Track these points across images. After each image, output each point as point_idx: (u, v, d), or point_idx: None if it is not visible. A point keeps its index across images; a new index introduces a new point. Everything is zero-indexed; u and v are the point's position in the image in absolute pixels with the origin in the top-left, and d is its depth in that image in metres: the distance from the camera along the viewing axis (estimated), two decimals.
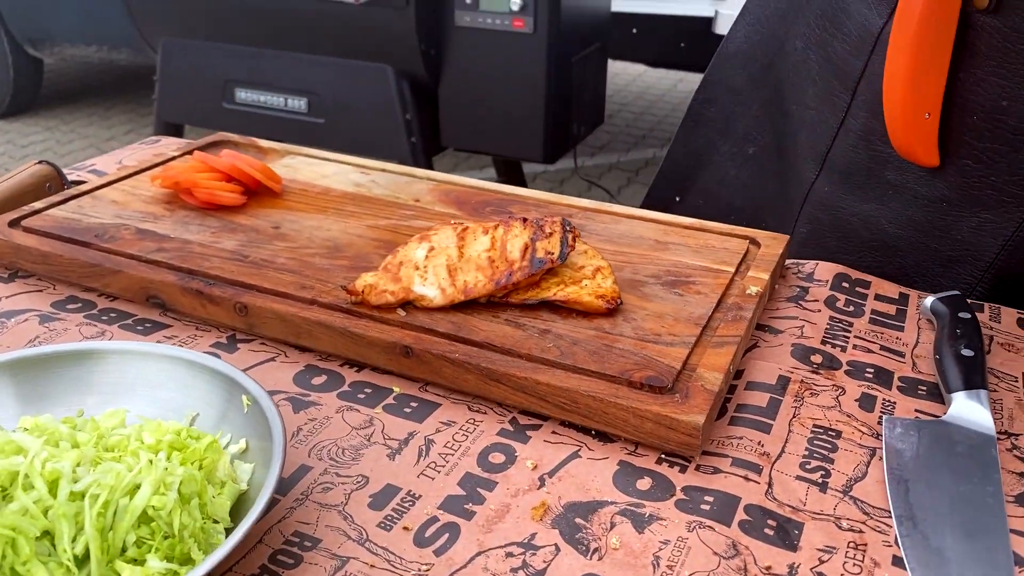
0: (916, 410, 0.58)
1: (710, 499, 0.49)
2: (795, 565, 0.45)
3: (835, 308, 0.69)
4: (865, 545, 0.46)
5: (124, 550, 0.41)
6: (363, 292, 0.61)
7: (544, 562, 0.44)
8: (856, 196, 0.79)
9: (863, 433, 0.55)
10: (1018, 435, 0.55)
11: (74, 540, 0.40)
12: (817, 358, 0.62)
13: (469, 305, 0.61)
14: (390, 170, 0.86)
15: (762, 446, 0.53)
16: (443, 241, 0.64)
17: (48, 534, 0.40)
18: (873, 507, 0.49)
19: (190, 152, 0.88)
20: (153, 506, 0.41)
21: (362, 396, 0.57)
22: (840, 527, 0.48)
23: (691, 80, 5.24)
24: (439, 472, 0.50)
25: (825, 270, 0.74)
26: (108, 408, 0.51)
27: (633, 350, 0.57)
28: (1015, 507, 0.49)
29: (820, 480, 0.51)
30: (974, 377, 0.57)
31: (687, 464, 0.52)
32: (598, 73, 2.49)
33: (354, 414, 0.55)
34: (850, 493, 0.50)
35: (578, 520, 0.47)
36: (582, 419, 0.54)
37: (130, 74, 4.74)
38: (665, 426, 0.51)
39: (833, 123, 0.80)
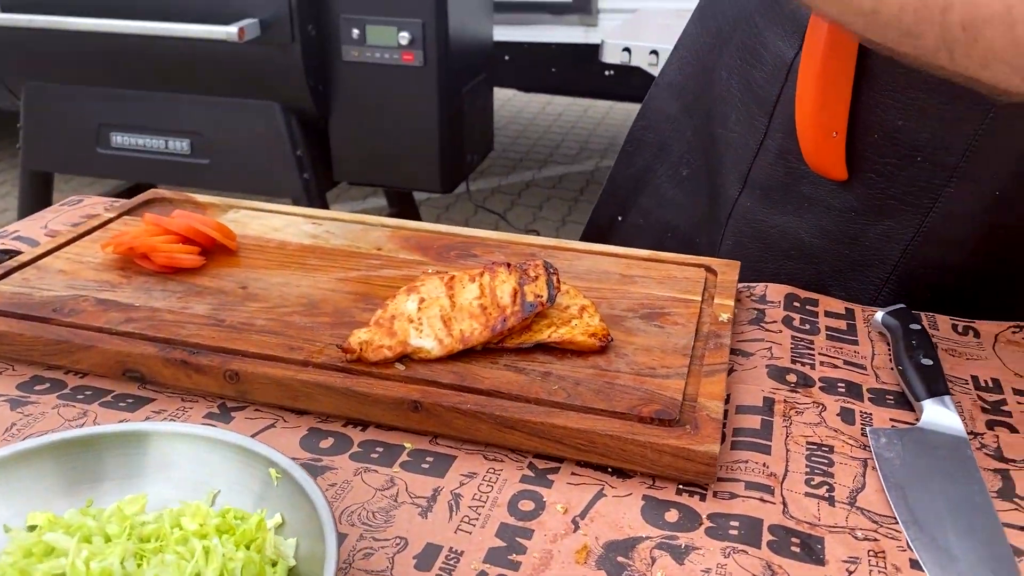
0: (891, 419, 0.62)
1: (736, 524, 0.52)
2: None
3: (793, 327, 0.74)
4: (883, 552, 0.50)
5: None
6: (360, 349, 0.61)
7: None
8: (775, 210, 0.85)
9: (852, 446, 0.59)
10: (983, 434, 0.61)
11: None
12: (792, 377, 0.67)
13: (466, 354, 0.62)
14: (341, 219, 0.86)
15: (767, 467, 0.57)
16: (432, 292, 0.65)
17: None
18: (879, 515, 0.53)
19: (127, 212, 0.84)
20: None
21: (375, 456, 0.57)
22: (856, 537, 0.51)
23: (559, 102, 5.39)
24: (474, 526, 0.51)
25: (775, 291, 0.79)
26: (123, 495, 0.48)
27: (634, 385, 0.60)
28: (999, 502, 0.54)
29: (827, 495, 0.55)
30: (937, 384, 0.63)
31: (705, 492, 0.54)
32: (485, 102, 2.54)
33: (373, 475, 0.55)
34: (856, 504, 0.54)
35: (620, 559, 0.49)
36: (600, 458, 0.56)
37: None
38: (683, 458, 0.54)
39: (753, 144, 0.86)
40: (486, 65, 2.50)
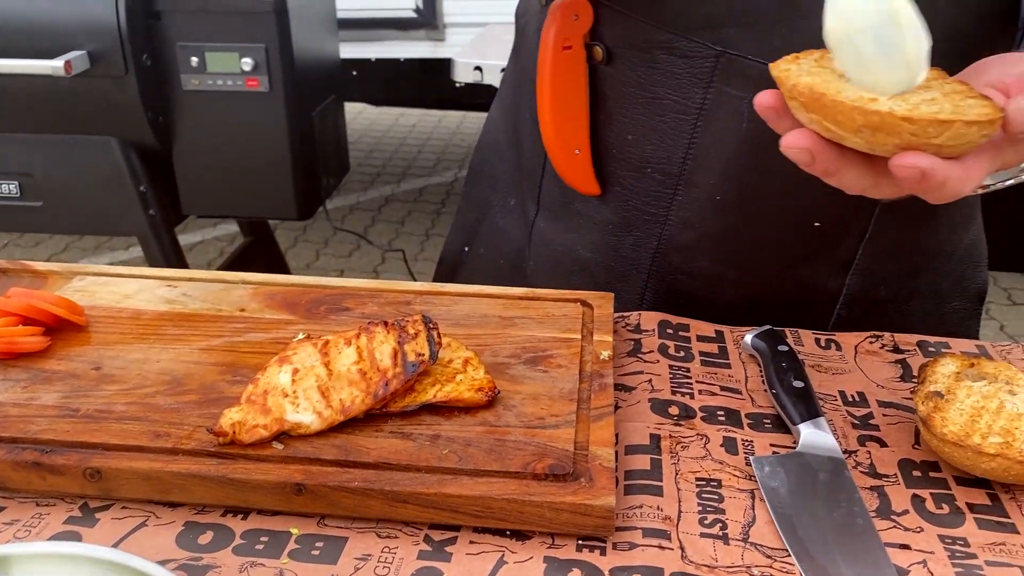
0: (771, 444, 0.64)
1: None
2: None
3: (669, 355, 0.75)
4: None
5: None
6: (232, 431, 0.57)
7: None
8: (560, 228, 0.89)
9: (738, 477, 0.61)
10: (856, 451, 0.64)
11: None
12: (674, 409, 0.68)
13: (348, 423, 0.59)
14: (197, 278, 0.81)
15: (661, 511, 0.57)
16: (306, 360, 0.62)
17: None
18: (772, 548, 0.54)
19: None
20: None
21: (260, 547, 0.53)
22: (753, 575, 0.52)
23: (411, 114, 5.36)
24: None
25: (649, 319, 0.80)
26: None
27: (525, 439, 0.59)
28: (879, 521, 0.57)
29: (720, 533, 0.55)
30: (810, 407, 0.65)
31: (604, 544, 0.54)
32: (337, 123, 2.48)
33: (260, 569, 0.51)
34: (749, 539, 0.55)
35: None
36: (497, 523, 0.54)
37: None
38: (581, 513, 0.53)
39: (539, 167, 0.90)
40: (336, 85, 2.44)
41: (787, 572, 0.52)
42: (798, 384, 0.67)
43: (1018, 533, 0.56)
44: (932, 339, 0.79)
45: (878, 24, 0.49)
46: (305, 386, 0.60)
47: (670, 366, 0.73)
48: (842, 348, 0.77)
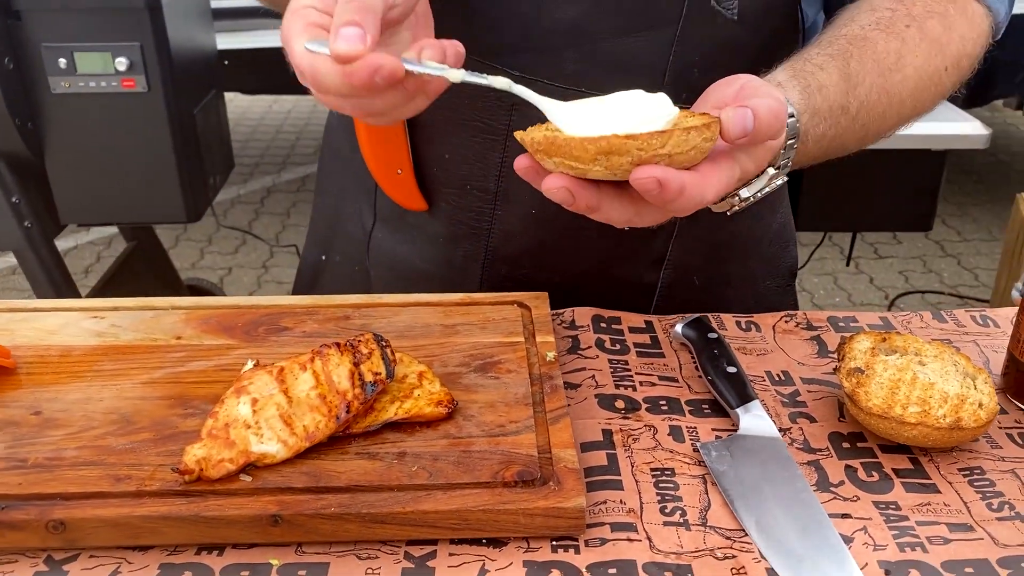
0: (712, 429, 0.68)
1: (613, 571, 0.55)
2: None
3: (606, 349, 0.78)
4: (744, 568, 0.55)
5: None
6: (199, 468, 0.57)
7: None
8: (396, 239, 0.92)
9: (688, 464, 0.64)
10: (789, 428, 0.69)
11: None
12: (620, 403, 0.71)
13: (314, 449, 0.60)
14: (123, 307, 0.78)
15: (624, 504, 0.60)
16: (264, 389, 0.62)
17: None
18: (730, 530, 0.58)
19: None
20: None
21: None
22: (717, 557, 0.56)
23: (286, 100, 5.21)
24: None
25: (582, 315, 0.83)
26: None
27: (489, 448, 0.61)
28: (820, 494, 0.62)
29: (681, 520, 0.59)
30: (745, 391, 0.70)
31: (577, 542, 0.57)
32: (220, 118, 2.40)
33: None
34: (708, 523, 0.59)
35: None
36: (474, 533, 0.56)
37: None
38: (553, 516, 0.56)
39: (372, 182, 0.91)
40: (216, 79, 2.36)
41: (747, 551, 0.57)
42: (731, 370, 0.72)
43: (940, 492, 0.62)
44: (840, 314, 0.85)
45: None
46: (267, 415, 0.60)
47: (609, 360, 0.77)
48: (762, 329, 0.82)
